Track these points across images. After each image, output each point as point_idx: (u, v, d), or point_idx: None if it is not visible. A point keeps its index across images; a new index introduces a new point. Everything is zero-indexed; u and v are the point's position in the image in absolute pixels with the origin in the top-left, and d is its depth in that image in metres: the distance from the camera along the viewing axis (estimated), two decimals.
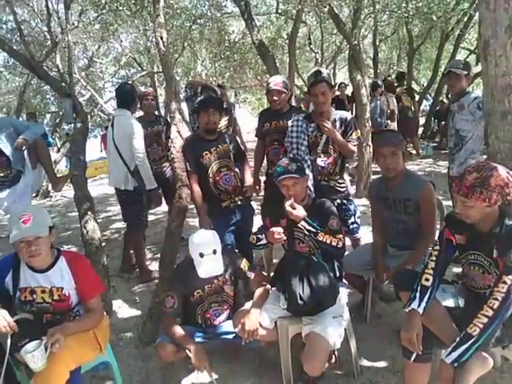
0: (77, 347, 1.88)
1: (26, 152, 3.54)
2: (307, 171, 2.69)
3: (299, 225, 2.30)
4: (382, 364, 2.44)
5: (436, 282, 1.85)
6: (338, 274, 2.34)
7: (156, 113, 4.51)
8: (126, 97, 3.78)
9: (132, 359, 2.72)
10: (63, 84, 4.72)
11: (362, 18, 6.58)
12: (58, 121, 10.53)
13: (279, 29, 11.17)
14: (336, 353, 2.29)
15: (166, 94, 3.16)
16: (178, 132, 2.99)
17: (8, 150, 3.42)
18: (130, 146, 3.62)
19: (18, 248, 1.91)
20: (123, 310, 3.41)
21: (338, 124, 2.91)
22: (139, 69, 13.75)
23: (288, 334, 2.22)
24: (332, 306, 2.16)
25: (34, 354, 1.71)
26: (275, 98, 3.20)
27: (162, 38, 2.88)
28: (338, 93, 8.44)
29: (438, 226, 2.59)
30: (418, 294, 1.82)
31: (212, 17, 9.13)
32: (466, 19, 9.14)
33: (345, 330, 2.21)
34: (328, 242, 2.26)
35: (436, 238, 2.22)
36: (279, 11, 9.55)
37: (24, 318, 1.89)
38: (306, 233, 2.31)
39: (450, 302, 1.96)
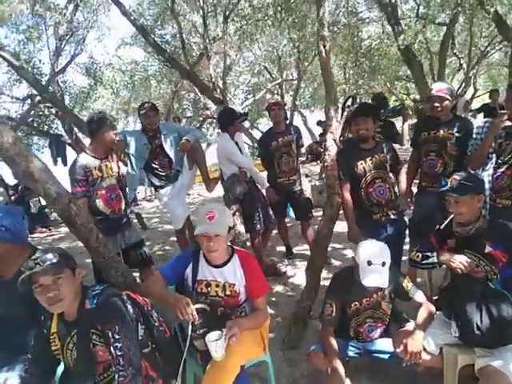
0: (248, 344, 1.98)
1: (185, 154, 3.91)
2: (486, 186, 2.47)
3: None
4: None
5: None
6: None
7: (287, 122, 4.50)
8: (222, 121, 4.04)
9: (279, 361, 2.76)
10: (216, 92, 5.08)
11: None
12: (192, 125, 11.50)
13: (417, 33, 10.56)
14: None
15: (326, 101, 3.17)
16: (334, 140, 2.98)
17: (172, 153, 3.80)
18: (228, 163, 3.93)
19: (200, 240, 2.09)
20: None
21: None
22: (269, 77, 14.29)
23: (457, 364, 2.05)
24: None
25: (217, 343, 1.84)
26: (436, 104, 2.98)
27: (324, 47, 2.92)
28: (488, 100, 7.69)
29: None
30: None
31: (348, 22, 9.02)
32: None
33: None
34: None
35: None
36: (419, 15, 9.03)
37: (202, 308, 2.05)
38: (481, 257, 2.09)
39: None
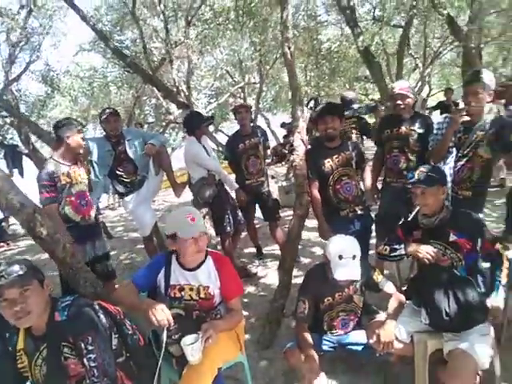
0: (225, 345, 1.97)
1: (151, 159, 3.85)
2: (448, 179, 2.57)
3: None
4: None
5: None
6: (483, 290, 2.16)
7: (252, 124, 4.53)
8: (188, 125, 3.99)
9: (254, 362, 2.75)
10: (180, 96, 5.04)
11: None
12: (154, 131, 11.36)
13: (373, 35, 10.92)
14: (480, 373, 2.13)
15: (292, 102, 3.21)
16: (302, 140, 3.03)
17: (137, 158, 3.74)
18: (196, 167, 3.89)
19: (183, 244, 2.04)
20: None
21: (488, 126, 2.70)
22: (231, 81, 14.30)
23: (426, 350, 2.12)
24: (480, 324, 2.03)
25: (193, 347, 1.82)
26: (399, 102, 3.09)
27: (289, 49, 2.96)
28: (443, 98, 8.04)
29: None
30: None
31: (308, 26, 9.20)
32: None
33: None
34: None
35: None
36: (375, 17, 9.36)
37: (177, 313, 2.02)
38: (447, 245, 2.18)
39: None
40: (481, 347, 1.95)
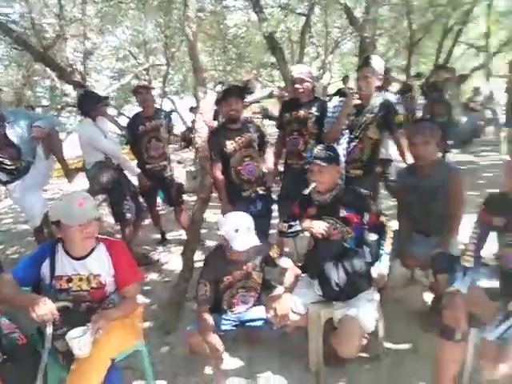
0: (118, 335, 1.87)
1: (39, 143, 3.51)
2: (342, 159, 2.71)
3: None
4: (405, 346, 2.49)
5: (476, 263, 1.90)
6: (370, 260, 2.31)
7: (157, 106, 4.37)
8: (82, 106, 3.78)
9: (156, 349, 2.68)
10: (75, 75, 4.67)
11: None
12: (49, 115, 10.39)
13: (279, 22, 11.10)
14: (367, 336, 2.30)
15: (195, 83, 3.13)
16: (204, 121, 2.97)
17: (23, 142, 3.38)
18: (91, 150, 3.67)
19: (68, 231, 1.88)
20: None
21: (377, 109, 2.89)
22: (135, 62, 13.60)
23: (320, 320, 2.23)
24: (366, 291, 2.19)
25: (80, 340, 1.69)
26: (297, 86, 3.17)
27: (191, 28, 2.85)
28: (342, 86, 8.50)
29: None
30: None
31: (215, 10, 9.06)
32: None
33: None
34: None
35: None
36: (281, 5, 9.52)
37: (63, 306, 1.86)
38: (337, 220, 2.30)
39: (484, 283, 1.98)
40: (366, 312, 2.11)
